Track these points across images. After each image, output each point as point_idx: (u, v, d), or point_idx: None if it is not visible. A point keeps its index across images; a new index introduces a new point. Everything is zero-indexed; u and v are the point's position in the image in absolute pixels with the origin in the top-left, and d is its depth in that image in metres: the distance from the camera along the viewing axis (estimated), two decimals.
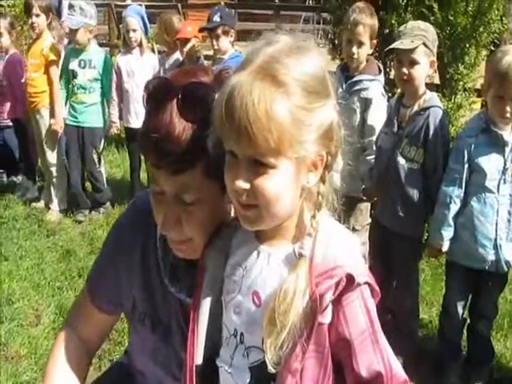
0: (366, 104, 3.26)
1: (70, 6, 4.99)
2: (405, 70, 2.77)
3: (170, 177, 1.12)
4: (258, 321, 1.04)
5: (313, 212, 1.06)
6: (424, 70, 2.78)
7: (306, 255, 1.03)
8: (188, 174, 1.11)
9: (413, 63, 2.74)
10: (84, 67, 4.95)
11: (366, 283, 1.04)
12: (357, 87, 3.28)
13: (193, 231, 1.18)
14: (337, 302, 1.02)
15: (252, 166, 0.98)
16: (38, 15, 4.85)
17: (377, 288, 1.06)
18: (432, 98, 2.82)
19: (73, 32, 4.85)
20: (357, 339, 1.02)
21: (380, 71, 3.39)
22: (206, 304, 1.15)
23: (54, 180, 5.13)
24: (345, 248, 1.06)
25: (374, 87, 3.27)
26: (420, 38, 2.71)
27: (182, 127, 1.09)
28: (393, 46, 2.81)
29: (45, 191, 5.31)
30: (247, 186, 0.99)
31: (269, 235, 1.09)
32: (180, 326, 1.31)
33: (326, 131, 1.01)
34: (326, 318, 1.02)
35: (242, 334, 1.09)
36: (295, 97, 0.96)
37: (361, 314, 1.03)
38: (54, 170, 5.11)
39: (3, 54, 5.52)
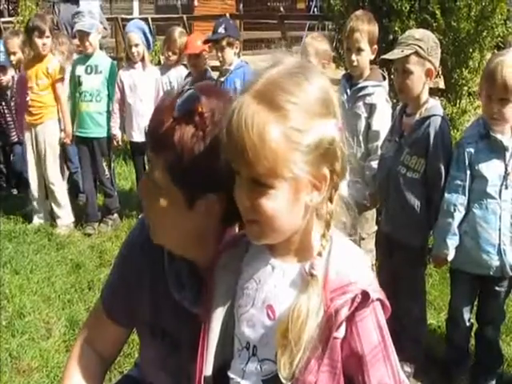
0: (371, 110, 3.28)
1: (78, 13, 5.04)
2: (400, 80, 2.78)
3: (150, 153, 1.24)
4: (273, 334, 1.06)
5: (323, 231, 1.06)
6: (419, 80, 2.74)
7: (317, 275, 1.04)
8: (155, 158, 1.22)
9: (406, 73, 2.74)
10: (90, 73, 4.99)
11: (378, 299, 1.06)
12: (361, 93, 3.31)
13: (156, 224, 1.28)
14: (350, 318, 1.03)
15: (252, 185, 1.01)
16: (48, 37, 4.90)
17: (387, 304, 1.08)
18: (433, 106, 2.80)
19: (85, 37, 4.89)
20: (369, 354, 1.04)
21: (384, 78, 3.41)
22: (217, 316, 1.16)
23: (57, 196, 5.09)
24: (357, 265, 1.08)
25: (378, 93, 3.30)
26: (412, 48, 2.70)
27: (168, 121, 1.18)
28: (383, 56, 2.84)
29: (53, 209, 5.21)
30: (248, 203, 1.03)
31: (281, 250, 1.10)
32: (189, 337, 1.31)
33: (326, 150, 1.01)
34: (339, 332, 1.03)
35: (254, 346, 1.10)
36: (290, 119, 0.98)
37: (373, 330, 1.05)
38: (55, 186, 5.07)
39: (16, 71, 5.60)
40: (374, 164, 3.19)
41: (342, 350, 1.04)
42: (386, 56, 2.81)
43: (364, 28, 3.29)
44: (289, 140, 0.97)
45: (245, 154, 0.97)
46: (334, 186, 1.06)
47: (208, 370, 1.16)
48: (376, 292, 1.05)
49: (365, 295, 1.02)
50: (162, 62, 6.01)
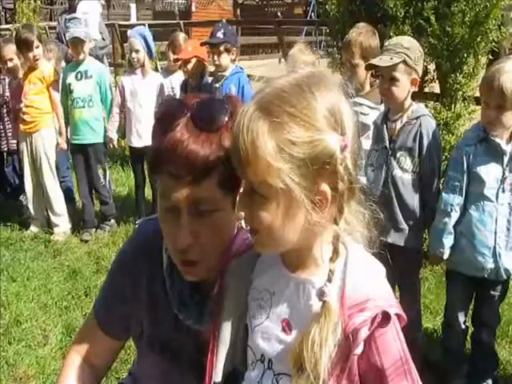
0: (363, 129, 3.27)
1: (73, 19, 5.07)
2: (386, 86, 2.80)
3: (187, 187, 1.13)
4: (289, 349, 1.04)
5: (331, 254, 1.02)
6: (404, 88, 2.78)
7: (328, 301, 1.01)
8: (204, 184, 1.13)
9: (392, 80, 2.76)
10: (80, 79, 5.01)
11: (396, 314, 1.04)
12: (356, 108, 3.30)
13: (208, 244, 1.18)
14: (369, 334, 1.02)
15: (250, 194, 1.00)
16: (37, 47, 4.91)
17: (404, 315, 1.06)
18: (419, 108, 2.86)
19: (80, 44, 4.91)
20: (390, 368, 1.03)
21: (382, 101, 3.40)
22: (227, 324, 1.14)
23: (54, 204, 5.08)
24: (374, 279, 1.06)
25: (373, 116, 3.28)
26: (401, 56, 2.72)
27: (198, 137, 1.12)
28: (371, 61, 2.86)
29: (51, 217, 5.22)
30: (247, 212, 1.02)
31: (293, 264, 1.08)
32: (191, 349, 1.30)
33: (323, 166, 0.97)
34: (358, 349, 1.02)
35: (270, 360, 1.08)
36: (285, 130, 0.95)
37: (394, 344, 1.03)
38: (52, 194, 5.07)
39: (13, 78, 5.60)
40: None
41: (358, 365, 1.02)
42: (375, 62, 2.83)
43: (357, 42, 3.31)
44: (281, 150, 0.95)
45: (240, 160, 0.98)
46: (340, 208, 1.00)
47: (218, 377, 1.13)
48: (394, 307, 1.03)
49: (385, 315, 1.00)
50: (160, 67, 6.02)
